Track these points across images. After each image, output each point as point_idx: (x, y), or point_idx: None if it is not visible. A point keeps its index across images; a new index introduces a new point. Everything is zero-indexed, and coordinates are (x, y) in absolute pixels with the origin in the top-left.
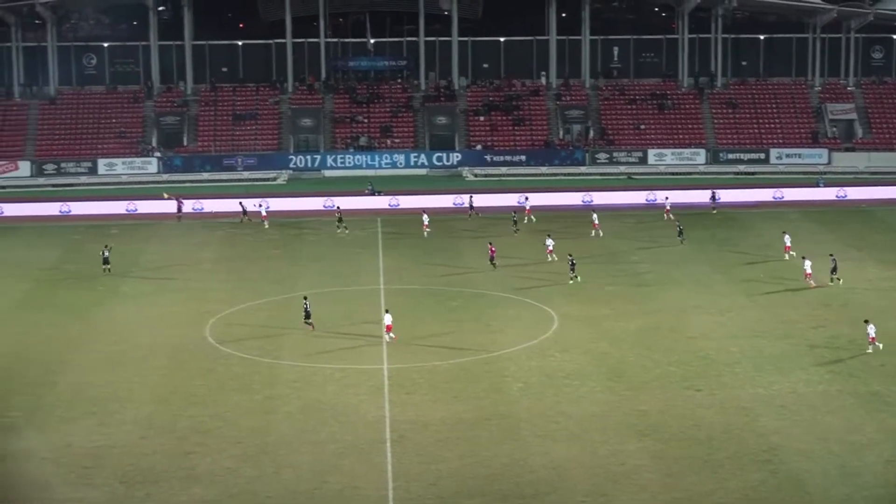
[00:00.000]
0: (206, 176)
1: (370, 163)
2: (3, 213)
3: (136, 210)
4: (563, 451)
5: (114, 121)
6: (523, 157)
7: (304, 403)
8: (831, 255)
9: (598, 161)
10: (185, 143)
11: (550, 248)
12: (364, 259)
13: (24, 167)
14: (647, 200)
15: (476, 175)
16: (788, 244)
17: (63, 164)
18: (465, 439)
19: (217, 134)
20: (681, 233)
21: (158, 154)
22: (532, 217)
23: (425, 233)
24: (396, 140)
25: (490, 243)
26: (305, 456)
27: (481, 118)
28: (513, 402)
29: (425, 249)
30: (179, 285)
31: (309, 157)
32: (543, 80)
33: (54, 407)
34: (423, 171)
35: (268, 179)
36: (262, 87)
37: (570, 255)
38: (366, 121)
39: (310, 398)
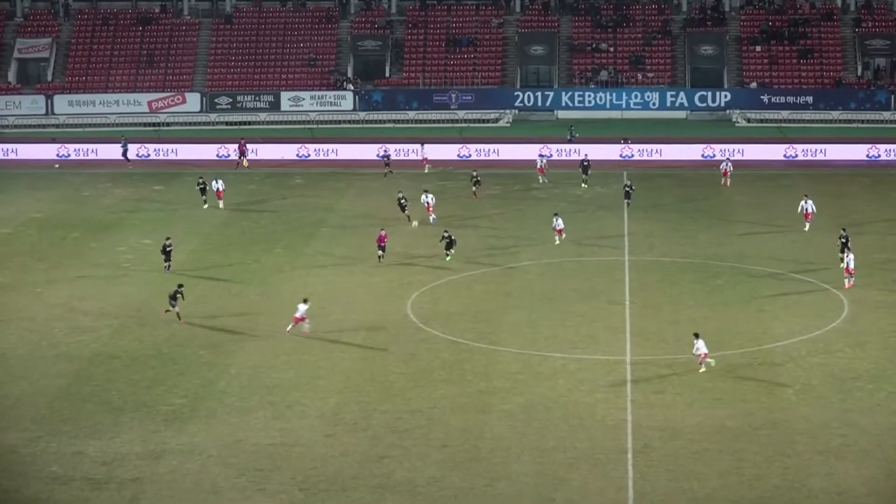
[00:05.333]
0: (411, 115)
1: (615, 102)
2: (175, 154)
3: (337, 154)
4: (850, 472)
5: (301, 45)
6: (809, 99)
7: (528, 401)
8: None
9: None
10: (386, 75)
11: (810, 211)
12: (607, 222)
13: (193, 100)
14: None
15: (749, 120)
16: None
17: (239, 98)
18: (727, 452)
19: (426, 64)
20: None
21: (354, 87)
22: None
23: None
24: (649, 74)
25: (382, 228)
26: (527, 466)
27: (757, 48)
28: (788, 409)
29: (684, 213)
30: (377, 251)
31: (539, 94)
32: (838, 1)
33: (225, 394)
34: (681, 114)
35: (487, 121)
36: (484, 6)
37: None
38: (611, 50)
39: (534, 394)
